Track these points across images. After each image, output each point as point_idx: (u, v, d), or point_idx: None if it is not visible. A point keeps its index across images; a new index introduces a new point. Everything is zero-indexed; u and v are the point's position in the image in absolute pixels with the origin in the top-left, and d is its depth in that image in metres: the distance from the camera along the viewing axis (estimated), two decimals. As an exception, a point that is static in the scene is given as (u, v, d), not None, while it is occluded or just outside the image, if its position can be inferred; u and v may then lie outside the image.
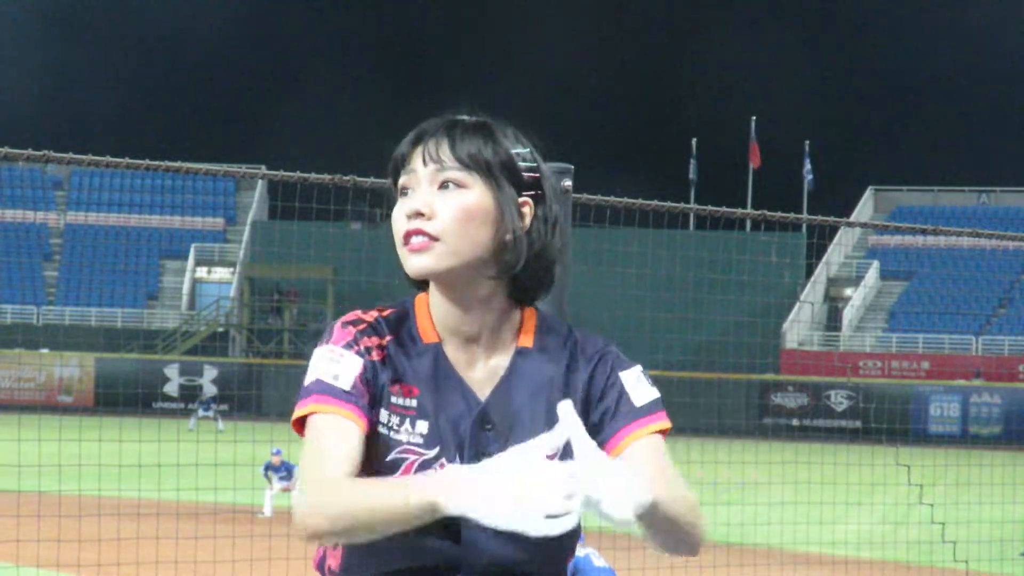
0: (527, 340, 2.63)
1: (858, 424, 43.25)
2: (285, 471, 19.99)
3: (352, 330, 2.58)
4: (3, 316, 56.10)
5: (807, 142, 61.80)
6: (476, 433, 2.55)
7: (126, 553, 11.94)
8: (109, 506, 13.79)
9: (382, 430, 2.54)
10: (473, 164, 2.56)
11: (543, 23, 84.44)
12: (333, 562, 2.62)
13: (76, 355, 48.97)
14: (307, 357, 2.64)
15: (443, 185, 2.55)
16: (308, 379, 2.54)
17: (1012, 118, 75.48)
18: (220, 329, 56.19)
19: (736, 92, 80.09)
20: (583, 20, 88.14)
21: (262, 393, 44.36)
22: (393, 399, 2.55)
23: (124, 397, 41.03)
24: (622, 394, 2.61)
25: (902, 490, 15.38)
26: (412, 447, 2.54)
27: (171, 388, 48.63)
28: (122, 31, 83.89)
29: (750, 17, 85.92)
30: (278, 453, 20.03)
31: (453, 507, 2.26)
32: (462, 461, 2.52)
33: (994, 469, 19.13)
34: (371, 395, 2.55)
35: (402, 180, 2.58)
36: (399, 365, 2.57)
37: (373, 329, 2.59)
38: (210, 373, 48.81)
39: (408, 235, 2.54)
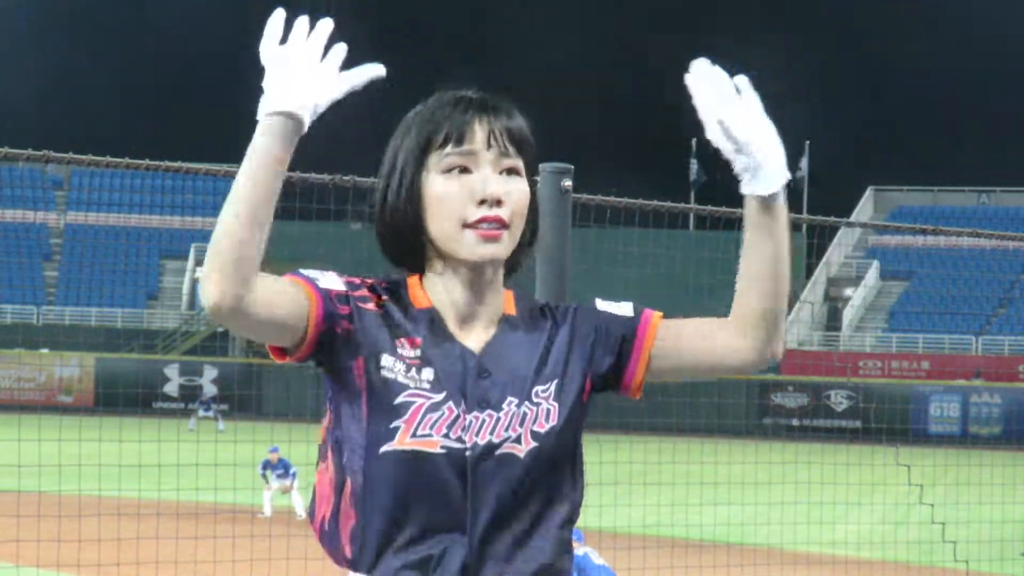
0: (511, 309, 2.67)
1: (858, 424, 43.23)
2: (282, 468, 20.00)
3: (347, 279, 2.63)
4: (3, 316, 56.09)
5: (807, 142, 61.79)
6: (475, 382, 2.58)
7: (126, 553, 11.94)
8: (109, 506, 13.80)
9: (387, 374, 2.56)
10: (527, 152, 2.62)
11: (543, 22, 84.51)
12: (347, 547, 2.61)
13: (76, 355, 48.97)
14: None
15: (504, 171, 2.59)
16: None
17: (1012, 118, 75.42)
18: (220, 329, 56.18)
19: (736, 92, 79.82)
20: (583, 19, 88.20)
21: (262, 393, 44.33)
22: (399, 350, 2.58)
23: (124, 397, 41.04)
24: (613, 317, 2.71)
25: (902, 490, 15.38)
26: (420, 391, 2.56)
27: (171, 388, 48.65)
28: (122, 31, 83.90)
29: (749, 17, 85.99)
30: (275, 450, 20.02)
31: (278, 100, 2.49)
32: (466, 408, 2.56)
33: (994, 469, 19.13)
34: (345, 312, 2.57)
35: (456, 158, 2.59)
36: (399, 321, 2.61)
37: (371, 288, 2.63)
38: (210, 373, 48.83)
39: (482, 220, 2.56)
